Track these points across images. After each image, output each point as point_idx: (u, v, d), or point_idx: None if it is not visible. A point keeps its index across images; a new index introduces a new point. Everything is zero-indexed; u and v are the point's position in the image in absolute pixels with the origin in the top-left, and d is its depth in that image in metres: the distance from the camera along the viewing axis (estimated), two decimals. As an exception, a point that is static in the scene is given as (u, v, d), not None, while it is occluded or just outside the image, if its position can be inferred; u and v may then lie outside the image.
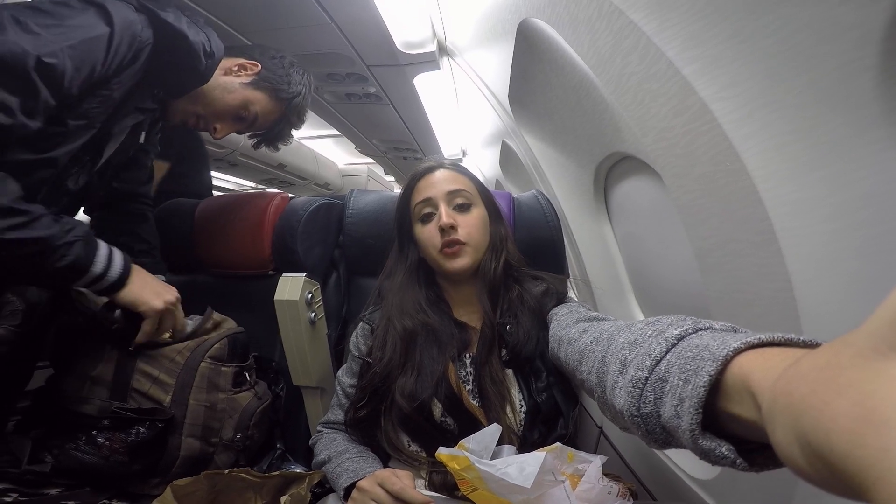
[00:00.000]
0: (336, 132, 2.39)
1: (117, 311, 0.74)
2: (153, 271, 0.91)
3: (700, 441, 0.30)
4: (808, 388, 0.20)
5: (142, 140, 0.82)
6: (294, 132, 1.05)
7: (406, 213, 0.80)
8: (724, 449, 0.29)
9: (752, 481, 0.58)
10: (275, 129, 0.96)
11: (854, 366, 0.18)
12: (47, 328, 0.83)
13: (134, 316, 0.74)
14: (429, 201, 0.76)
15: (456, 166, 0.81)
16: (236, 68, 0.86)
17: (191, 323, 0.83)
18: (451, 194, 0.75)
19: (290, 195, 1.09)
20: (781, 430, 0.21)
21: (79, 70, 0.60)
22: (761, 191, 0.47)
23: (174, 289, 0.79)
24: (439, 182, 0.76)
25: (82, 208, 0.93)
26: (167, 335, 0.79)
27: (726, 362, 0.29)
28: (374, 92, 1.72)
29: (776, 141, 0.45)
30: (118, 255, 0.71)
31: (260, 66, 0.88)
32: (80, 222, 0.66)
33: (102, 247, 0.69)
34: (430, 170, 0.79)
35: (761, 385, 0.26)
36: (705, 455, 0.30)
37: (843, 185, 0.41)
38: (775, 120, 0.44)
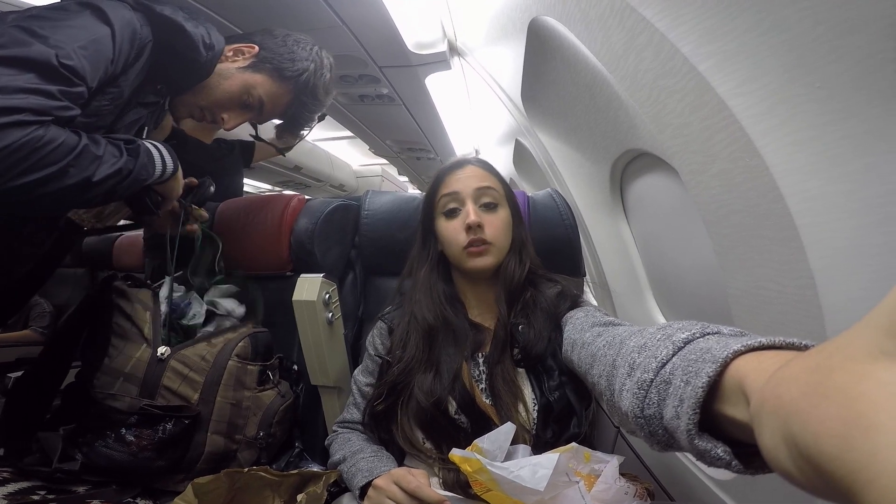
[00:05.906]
0: (350, 134, 2.41)
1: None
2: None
3: (696, 441, 0.30)
4: (798, 391, 0.20)
5: (144, 136, 0.80)
6: (308, 134, 1.02)
7: (431, 206, 0.79)
8: (720, 450, 0.29)
9: (772, 482, 0.57)
10: (288, 112, 0.92)
11: (843, 369, 0.18)
12: (81, 329, 0.85)
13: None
14: (455, 195, 0.75)
15: (485, 163, 0.80)
16: (231, 53, 0.84)
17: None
18: (480, 191, 0.74)
19: (307, 197, 1.11)
20: (769, 432, 0.21)
21: (96, 69, 0.60)
22: (782, 186, 0.45)
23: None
24: (468, 178, 0.76)
25: None
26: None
27: (725, 364, 0.30)
28: (386, 93, 1.73)
29: (799, 136, 0.43)
30: (164, 149, 0.74)
31: (258, 47, 0.85)
32: (140, 142, 0.69)
33: (149, 146, 0.72)
34: (460, 164, 0.78)
35: (752, 387, 0.26)
36: (701, 456, 0.31)
37: (874, 178, 0.40)
38: (798, 114, 0.43)
